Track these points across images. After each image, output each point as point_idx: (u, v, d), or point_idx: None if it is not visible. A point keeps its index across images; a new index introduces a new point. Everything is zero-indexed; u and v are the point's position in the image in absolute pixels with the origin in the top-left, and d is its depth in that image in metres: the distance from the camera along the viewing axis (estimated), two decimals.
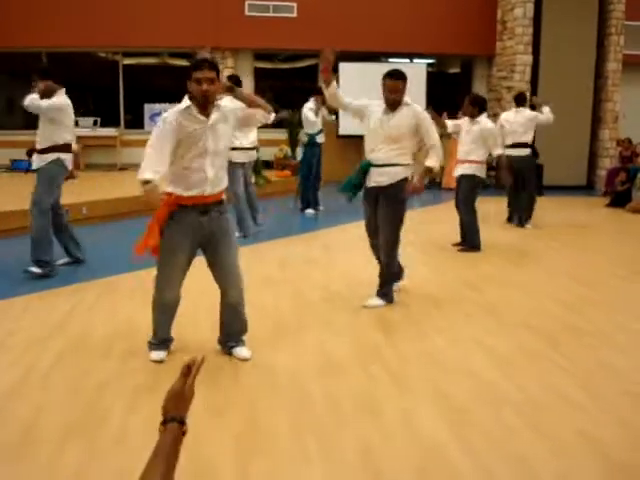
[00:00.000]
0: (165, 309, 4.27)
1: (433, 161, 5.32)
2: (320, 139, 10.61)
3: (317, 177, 10.78)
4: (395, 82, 5.14)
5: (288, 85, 16.07)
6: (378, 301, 5.43)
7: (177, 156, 3.96)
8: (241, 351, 4.34)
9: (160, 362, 4.20)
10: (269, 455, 3.11)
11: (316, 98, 10.39)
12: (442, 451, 3.15)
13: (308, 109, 10.34)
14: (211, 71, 3.92)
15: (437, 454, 3.13)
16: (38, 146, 6.34)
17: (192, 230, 4.07)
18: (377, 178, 5.30)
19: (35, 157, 6.41)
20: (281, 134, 14.03)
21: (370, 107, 5.36)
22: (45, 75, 6.24)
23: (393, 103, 5.19)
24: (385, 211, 5.30)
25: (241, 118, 4.24)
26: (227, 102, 4.37)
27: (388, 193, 5.27)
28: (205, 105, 3.96)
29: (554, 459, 3.08)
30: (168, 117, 3.96)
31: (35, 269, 6.22)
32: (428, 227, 9.25)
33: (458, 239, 7.90)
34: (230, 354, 4.34)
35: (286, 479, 2.92)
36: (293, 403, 3.67)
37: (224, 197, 4.24)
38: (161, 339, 4.31)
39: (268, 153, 14.27)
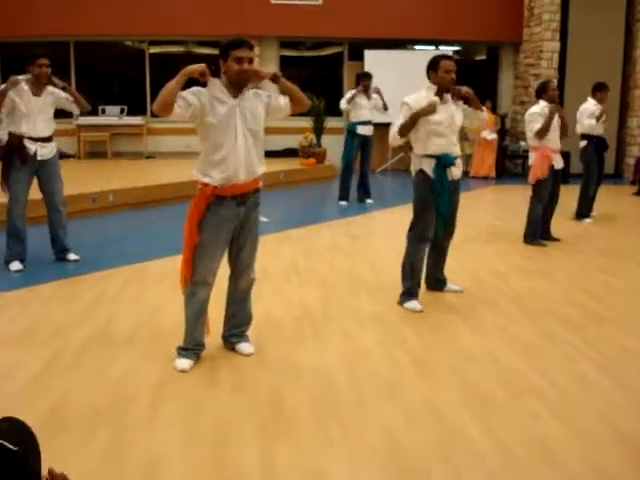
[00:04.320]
0: (201, 308, 4.02)
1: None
2: (362, 130, 10.14)
3: (363, 169, 10.50)
4: (453, 62, 5.06)
5: (314, 73, 16.09)
6: (456, 286, 5.56)
7: (207, 141, 3.83)
8: (245, 347, 4.20)
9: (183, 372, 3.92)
10: (293, 439, 3.14)
11: (358, 87, 10.17)
12: (464, 435, 3.17)
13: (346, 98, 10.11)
14: (251, 50, 3.79)
15: (459, 438, 3.15)
16: (43, 134, 6.14)
17: (229, 222, 3.90)
18: (456, 171, 5.15)
19: (40, 145, 6.11)
20: (306, 122, 14.02)
21: (413, 105, 5.02)
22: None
23: (451, 82, 5.05)
24: (457, 200, 5.32)
25: (266, 104, 4.00)
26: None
27: (458, 183, 5.25)
28: (241, 85, 3.81)
29: (577, 444, 3.08)
30: (200, 89, 3.81)
31: (76, 256, 6.42)
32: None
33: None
34: (233, 349, 4.22)
35: (309, 463, 2.95)
36: (316, 388, 3.70)
37: (260, 185, 4.05)
38: (195, 343, 4.04)
39: (293, 141, 14.30)
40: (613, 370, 3.97)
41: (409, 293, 5.20)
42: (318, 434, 3.18)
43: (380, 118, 10.61)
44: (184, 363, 3.96)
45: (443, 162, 5.04)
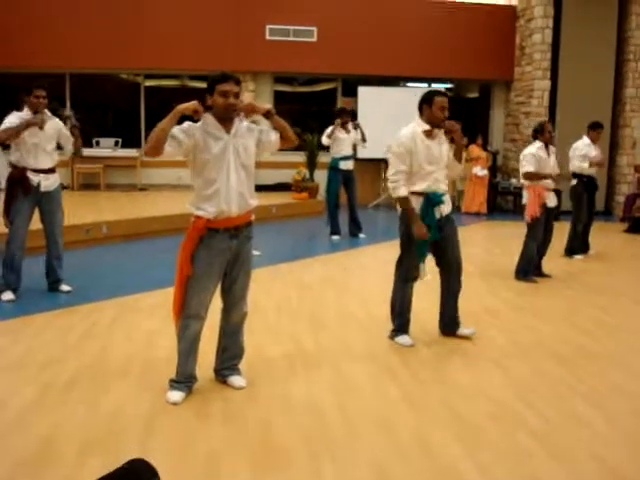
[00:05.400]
0: (193, 341, 4.02)
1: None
2: (344, 165, 10.25)
3: (351, 204, 10.53)
4: (447, 99, 5.02)
5: (307, 108, 16.21)
6: (469, 330, 5.34)
7: (200, 176, 3.87)
8: (236, 380, 4.19)
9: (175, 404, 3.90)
10: (284, 472, 3.14)
11: (336, 121, 10.29)
12: (456, 470, 3.17)
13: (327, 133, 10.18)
14: (237, 85, 3.85)
15: (451, 473, 3.15)
16: (47, 165, 6.15)
17: (222, 255, 3.92)
18: (446, 208, 5.10)
19: (44, 177, 6.12)
20: (299, 156, 14.11)
21: (409, 143, 4.96)
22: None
23: (444, 120, 5.01)
24: (453, 235, 5.21)
25: (257, 139, 4.05)
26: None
27: (450, 218, 5.17)
28: (227, 118, 3.86)
29: None
30: (191, 124, 3.87)
31: (68, 287, 6.42)
32: None
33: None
34: (224, 382, 4.20)
35: None
36: (307, 422, 3.70)
37: (253, 218, 4.09)
38: (186, 376, 4.03)
39: (286, 175, 14.38)
40: (604, 406, 3.98)
41: (400, 329, 5.24)
42: (309, 467, 3.18)
43: (365, 153, 10.65)
44: (176, 395, 3.95)
45: (432, 201, 5.00)
